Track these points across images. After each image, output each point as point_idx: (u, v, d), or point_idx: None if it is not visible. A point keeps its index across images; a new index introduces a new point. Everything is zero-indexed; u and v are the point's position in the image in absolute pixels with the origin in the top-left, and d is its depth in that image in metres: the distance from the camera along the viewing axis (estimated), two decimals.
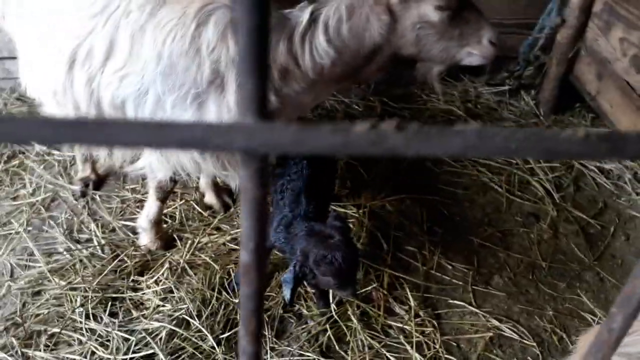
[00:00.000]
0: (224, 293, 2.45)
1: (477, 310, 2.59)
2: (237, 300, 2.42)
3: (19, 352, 2.18)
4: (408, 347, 2.40)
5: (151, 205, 2.58)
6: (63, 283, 2.42)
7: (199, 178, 2.89)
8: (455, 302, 2.62)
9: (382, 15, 2.01)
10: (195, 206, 2.91)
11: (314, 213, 2.29)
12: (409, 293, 2.59)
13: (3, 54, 3.40)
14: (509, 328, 2.54)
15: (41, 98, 2.28)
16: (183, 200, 2.93)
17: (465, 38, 2.19)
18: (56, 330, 2.25)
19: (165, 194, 2.55)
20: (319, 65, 2.01)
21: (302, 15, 1.98)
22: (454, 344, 2.48)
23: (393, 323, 2.49)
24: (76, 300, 2.35)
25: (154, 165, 2.23)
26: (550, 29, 3.52)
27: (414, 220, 2.99)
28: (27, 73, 2.27)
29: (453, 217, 3.05)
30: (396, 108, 3.73)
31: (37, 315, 2.31)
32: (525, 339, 2.50)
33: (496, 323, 2.55)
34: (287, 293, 2.06)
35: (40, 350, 2.18)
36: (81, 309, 2.31)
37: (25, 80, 2.34)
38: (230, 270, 2.56)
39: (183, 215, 2.86)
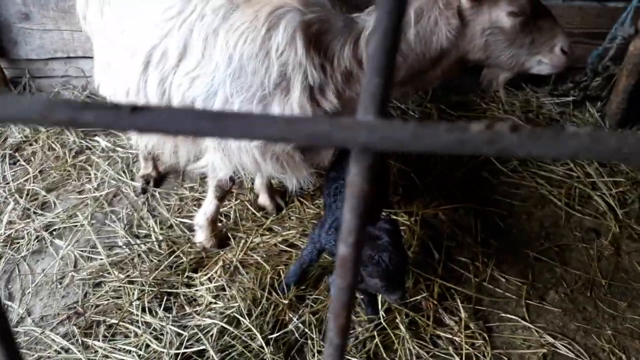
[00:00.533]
0: (274, 294, 2.48)
1: (531, 326, 2.51)
2: (286, 302, 2.45)
3: (79, 340, 2.29)
4: (457, 359, 2.36)
5: (209, 204, 2.66)
6: (122, 276, 2.52)
7: (254, 179, 2.96)
8: (508, 315, 2.55)
9: (452, 20, 1.99)
10: (249, 207, 2.97)
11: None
12: (459, 304, 2.55)
13: (77, 54, 3.59)
14: (564, 345, 2.44)
15: (114, 97, 2.40)
16: (238, 200, 3.00)
17: (536, 46, 2.14)
18: (114, 321, 2.35)
19: (224, 193, 2.62)
20: None
21: (370, 19, 1.99)
22: (505, 358, 2.41)
23: (442, 334, 2.45)
24: (133, 294, 2.45)
25: (216, 164, 2.29)
26: (623, 39, 3.37)
27: (467, 231, 2.93)
28: (102, 72, 2.39)
29: (509, 229, 2.97)
30: (454, 115, 3.67)
31: (97, 306, 2.43)
32: (581, 358, 2.40)
33: (550, 340, 2.46)
34: (334, 292, 2.06)
35: (99, 340, 2.29)
36: (138, 302, 2.41)
37: (98, 79, 2.47)
38: (281, 271, 2.59)
39: (237, 215, 2.93)
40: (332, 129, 0.28)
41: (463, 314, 2.50)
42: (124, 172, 3.17)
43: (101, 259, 2.64)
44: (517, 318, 2.54)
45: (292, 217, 2.95)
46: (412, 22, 1.97)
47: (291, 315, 2.42)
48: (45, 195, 3.00)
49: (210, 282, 2.53)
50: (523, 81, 3.86)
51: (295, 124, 0.28)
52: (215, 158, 2.25)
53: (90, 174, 3.14)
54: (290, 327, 2.39)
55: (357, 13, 2.08)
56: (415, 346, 2.37)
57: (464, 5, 1.98)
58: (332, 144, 0.27)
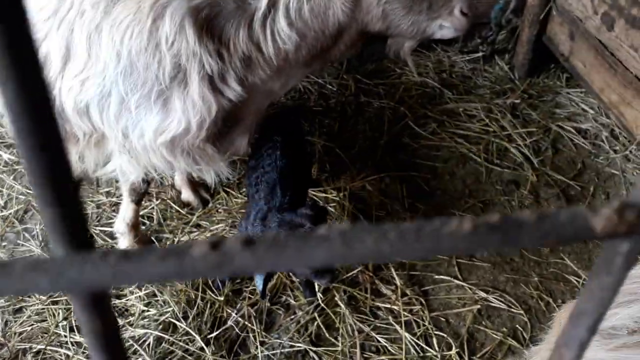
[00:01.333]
0: (208, 292, 2.43)
1: (464, 284, 2.60)
2: (222, 298, 2.40)
3: None
4: (397, 327, 2.41)
5: (126, 209, 2.53)
6: (44, 297, 2.38)
7: (173, 176, 2.84)
8: (441, 277, 2.63)
9: None
10: (173, 205, 2.87)
11: (289, 203, 2.25)
12: (394, 272, 2.59)
13: None
14: (496, 298, 2.55)
15: (3, 110, 2.21)
16: (159, 200, 2.89)
17: (435, 10, 2.13)
18: (41, 346, 2.22)
19: (140, 196, 2.50)
20: (282, 50, 1.94)
21: (260, 0, 1.90)
22: (443, 319, 2.49)
23: (381, 304, 2.49)
24: (59, 314, 2.32)
25: (124, 167, 2.17)
26: None
27: (395, 198, 2.98)
28: None
29: (434, 191, 3.04)
30: (370, 84, 3.67)
31: (21, 333, 2.28)
32: (512, 308, 2.53)
33: (483, 294, 2.57)
34: (259, 284, 2.05)
35: None
36: (65, 323, 2.28)
37: None
38: None
39: (160, 215, 2.82)
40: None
41: (398, 282, 2.56)
42: None
43: None
44: (449, 278, 2.62)
45: (219, 210, 2.88)
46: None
47: (229, 311, 2.38)
48: None
49: (140, 289, 2.43)
50: (433, 42, 3.90)
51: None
52: (122, 161, 2.13)
53: None
54: (230, 323, 2.35)
55: None
56: (356, 321, 2.41)
57: None
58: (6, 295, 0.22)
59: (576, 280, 2.62)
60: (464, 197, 3.01)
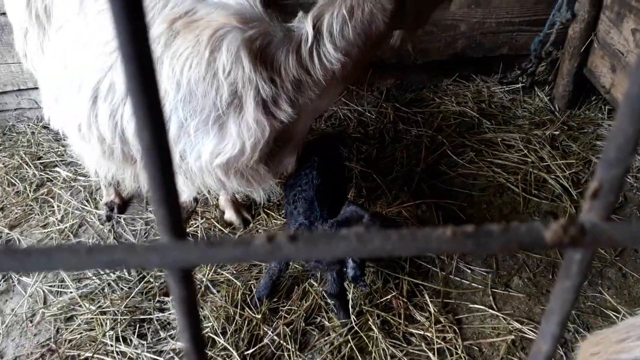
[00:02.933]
0: (246, 309, 2.52)
1: (498, 314, 2.61)
2: (259, 316, 2.49)
3: None
4: (430, 354, 2.43)
5: None
6: (93, 307, 2.53)
7: (217, 197, 2.98)
8: (476, 306, 2.64)
9: (388, 4, 2.01)
10: (216, 224, 3.00)
11: (329, 215, 2.33)
12: (428, 299, 2.63)
13: (28, 85, 3.55)
14: (530, 330, 2.54)
15: (66, 132, 2.39)
16: (204, 219, 3.02)
17: None
18: (89, 354, 2.35)
19: (189, 214, 2.64)
20: (330, 70, 2.05)
21: (304, 27, 2.01)
22: (476, 348, 2.50)
23: (414, 330, 2.52)
24: (106, 324, 2.45)
25: (179, 186, 2.30)
26: (561, 24, 3.50)
27: (430, 225, 3.01)
28: (51, 108, 2.38)
29: (470, 220, 3.06)
30: (409, 113, 3.75)
31: (71, 340, 2.42)
32: None
33: (518, 325, 2.56)
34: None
35: None
36: (111, 332, 2.42)
37: (48, 114, 2.46)
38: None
39: (204, 233, 2.95)
40: (127, 256, 0.32)
41: (432, 309, 2.58)
42: (87, 201, 3.15)
43: (71, 292, 2.63)
44: (484, 307, 2.63)
45: (259, 230, 2.99)
46: (347, 20, 1.98)
47: (266, 329, 2.47)
48: (9, 233, 2.97)
49: None
50: (473, 72, 3.96)
51: (93, 252, 0.32)
52: (178, 181, 2.26)
53: (53, 206, 3.11)
54: (266, 340, 2.43)
55: (293, 21, 2.12)
56: (389, 346, 2.44)
57: None
58: (131, 268, 0.32)
59: (615, 316, 2.58)
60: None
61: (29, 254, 0.31)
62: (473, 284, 2.74)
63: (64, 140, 3.45)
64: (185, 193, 2.35)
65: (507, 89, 3.89)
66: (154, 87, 0.31)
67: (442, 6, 2.34)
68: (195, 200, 2.54)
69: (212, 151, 2.04)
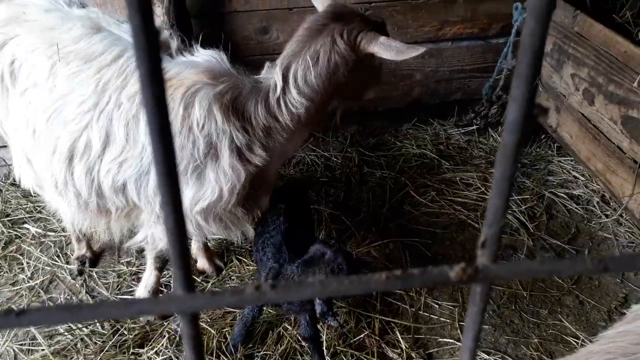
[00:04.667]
0: (222, 357, 2.55)
1: None
2: None
3: None
4: None
5: (149, 276, 2.71)
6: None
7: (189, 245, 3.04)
8: (445, 340, 2.74)
9: (347, 55, 2.17)
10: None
11: (297, 257, 2.42)
12: (399, 336, 2.71)
13: None
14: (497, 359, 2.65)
15: (40, 189, 2.45)
16: None
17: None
18: None
19: (164, 264, 2.68)
20: (296, 115, 2.19)
21: (274, 77, 2.16)
22: None
23: None
24: None
25: (156, 235, 2.37)
26: (508, 70, 3.78)
27: (398, 263, 3.13)
28: (22, 167, 2.43)
29: (435, 256, 3.20)
30: (373, 156, 3.93)
31: None
32: None
33: (485, 357, 2.66)
34: (236, 335, 2.40)
35: None
36: None
37: (19, 173, 2.51)
38: (227, 333, 2.67)
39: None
40: (149, 307, 0.42)
41: (404, 345, 2.67)
42: (58, 256, 3.15)
43: (42, 350, 2.61)
44: (453, 341, 2.73)
45: (232, 277, 3.04)
46: (311, 68, 2.13)
47: None
48: None
49: (158, 355, 2.56)
50: (430, 117, 4.19)
51: (133, 304, 0.42)
52: (155, 230, 2.33)
53: (22, 264, 3.10)
54: None
55: (260, 72, 2.26)
56: None
57: (363, 47, 2.19)
58: (151, 315, 0.42)
59: (575, 342, 2.72)
60: (463, 261, 3.14)
61: (80, 308, 0.40)
62: (441, 319, 2.84)
63: (34, 196, 3.47)
64: (163, 241, 2.41)
65: (463, 131, 4.12)
66: (173, 154, 0.42)
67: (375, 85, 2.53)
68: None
69: (192, 198, 2.13)
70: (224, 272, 3.07)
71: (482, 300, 0.46)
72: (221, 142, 2.10)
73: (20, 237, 3.29)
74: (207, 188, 2.13)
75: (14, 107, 2.26)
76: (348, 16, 2.21)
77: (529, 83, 0.40)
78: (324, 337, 2.65)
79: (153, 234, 2.36)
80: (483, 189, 3.59)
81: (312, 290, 0.45)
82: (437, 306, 2.91)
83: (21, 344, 2.65)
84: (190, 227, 2.25)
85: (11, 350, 2.63)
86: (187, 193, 2.13)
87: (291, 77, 2.13)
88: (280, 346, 2.65)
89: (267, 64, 2.26)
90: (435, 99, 4.10)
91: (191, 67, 2.13)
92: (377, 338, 2.71)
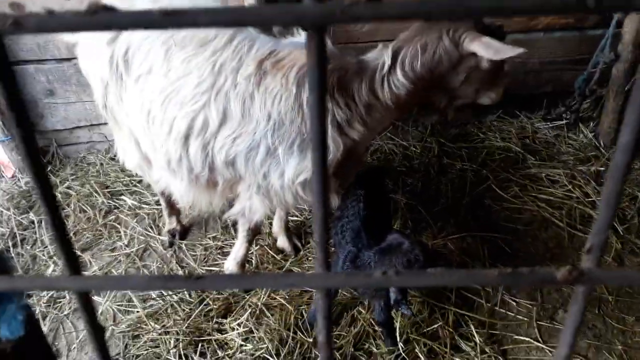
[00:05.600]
0: (299, 333, 2.67)
1: (544, 346, 2.66)
2: (311, 340, 2.63)
3: None
4: None
5: (240, 248, 2.89)
6: (158, 327, 2.73)
7: (272, 223, 3.18)
8: (521, 337, 2.70)
9: (454, 58, 2.30)
10: (269, 251, 3.18)
11: (374, 244, 2.48)
12: (474, 330, 2.70)
13: (100, 121, 3.87)
14: None
15: (149, 168, 2.69)
16: (258, 246, 3.21)
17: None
18: None
19: (254, 235, 2.86)
20: (395, 95, 2.32)
21: (383, 56, 2.30)
22: None
23: None
24: (170, 343, 2.64)
25: (254, 207, 2.55)
26: (605, 64, 3.58)
27: (476, 258, 3.10)
28: (129, 151, 2.69)
29: (515, 253, 3.14)
30: (454, 147, 3.88)
31: (138, 356, 2.63)
32: None
33: None
34: (312, 313, 2.50)
35: None
36: (174, 350, 2.61)
37: (123, 157, 2.75)
38: (303, 311, 2.78)
39: (259, 259, 3.13)
40: (299, 279, 0.49)
41: (478, 339, 2.66)
42: (151, 227, 3.40)
43: (137, 312, 2.85)
44: (529, 339, 2.69)
45: (309, 258, 3.15)
46: (419, 56, 2.26)
47: (316, 352, 2.60)
48: (81, 255, 3.23)
49: (239, 326, 2.72)
50: (516, 109, 4.07)
51: (286, 277, 0.49)
52: (253, 202, 2.51)
53: (120, 232, 3.38)
54: None
55: (367, 53, 2.39)
56: None
57: (466, 47, 2.27)
58: (301, 287, 0.48)
59: None
60: (545, 260, 3.08)
61: (241, 277, 0.48)
62: (518, 316, 2.80)
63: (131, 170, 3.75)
64: (259, 212, 2.58)
65: (551, 125, 3.97)
66: (325, 144, 0.47)
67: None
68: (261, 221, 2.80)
69: (295, 169, 2.31)
70: (301, 252, 3.18)
71: (583, 300, 0.49)
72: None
73: (118, 208, 3.57)
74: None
75: (127, 93, 2.45)
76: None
77: None
78: (397, 324, 2.70)
79: (250, 206, 2.53)
80: (570, 187, 3.46)
81: (432, 279, 0.50)
82: (514, 303, 2.86)
83: (119, 305, 2.91)
84: (289, 197, 2.41)
85: (110, 310, 2.89)
86: (292, 164, 2.30)
87: (399, 59, 2.27)
88: (354, 328, 2.73)
89: (380, 45, 2.38)
90: (523, 90, 3.97)
91: (300, 49, 2.28)
92: (451, 330, 2.72)
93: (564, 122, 3.93)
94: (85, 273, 3.12)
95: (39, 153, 0.43)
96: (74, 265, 0.48)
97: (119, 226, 3.42)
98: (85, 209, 3.55)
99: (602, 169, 3.58)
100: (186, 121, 2.29)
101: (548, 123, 3.98)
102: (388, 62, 2.26)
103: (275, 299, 2.87)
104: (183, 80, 2.27)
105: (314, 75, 0.37)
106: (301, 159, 2.29)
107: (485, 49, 2.21)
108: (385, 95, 2.31)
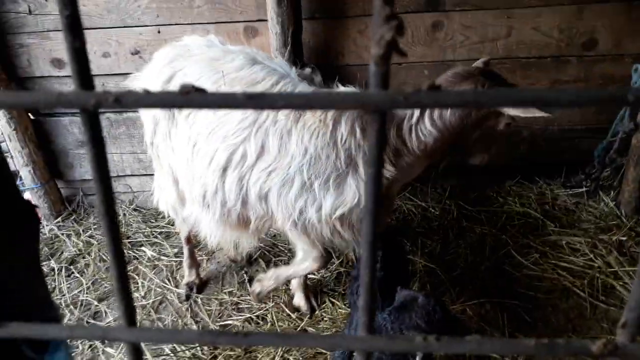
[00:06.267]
0: None
1: None
2: None
3: None
4: None
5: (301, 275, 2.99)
6: None
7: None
8: None
9: (483, 110, 2.41)
10: (285, 308, 3.16)
11: (389, 306, 2.45)
12: None
13: (126, 172, 3.99)
14: None
15: (182, 206, 2.81)
16: (273, 303, 3.19)
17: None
18: None
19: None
20: (423, 143, 2.44)
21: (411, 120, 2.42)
22: None
23: None
24: None
25: (291, 239, 2.68)
26: (624, 133, 3.62)
27: (494, 325, 3.04)
28: (165, 190, 2.82)
29: (535, 322, 3.07)
30: (472, 211, 3.89)
31: None
32: None
33: None
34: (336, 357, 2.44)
35: None
36: None
37: (158, 196, 2.92)
38: (328, 355, 2.72)
39: (274, 317, 3.11)
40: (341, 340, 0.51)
41: None
42: (168, 280, 3.42)
43: None
44: None
45: (325, 318, 3.11)
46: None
47: None
48: (97, 305, 3.24)
49: None
50: (536, 175, 4.09)
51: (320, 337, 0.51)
52: (291, 236, 2.62)
53: (137, 283, 3.39)
54: None
55: None
56: None
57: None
58: (342, 349, 0.50)
59: None
60: (567, 331, 3.00)
61: (288, 337, 0.50)
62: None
63: (152, 222, 3.81)
64: (300, 248, 2.73)
65: (570, 192, 3.97)
66: (376, 220, 0.51)
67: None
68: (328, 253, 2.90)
69: (333, 204, 2.40)
70: (317, 312, 3.15)
71: None
72: (358, 155, 2.39)
73: (137, 259, 3.61)
74: (348, 194, 2.39)
75: (177, 129, 2.60)
76: (494, 75, 2.43)
77: None
78: None
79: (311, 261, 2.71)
80: (591, 256, 3.41)
81: (473, 346, 0.52)
82: None
83: None
84: (327, 232, 2.48)
85: None
86: (329, 199, 2.40)
87: (428, 110, 2.36)
88: None
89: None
90: (543, 157, 4.00)
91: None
92: None
93: (584, 189, 3.93)
94: (100, 323, 3.12)
95: (115, 210, 0.46)
96: (131, 316, 0.51)
97: (137, 277, 3.44)
98: (105, 258, 3.59)
99: (624, 238, 3.54)
100: (226, 153, 2.42)
101: (567, 190, 3.98)
102: (417, 113, 2.40)
103: (288, 359, 2.83)
104: (229, 116, 2.43)
105: (374, 153, 0.40)
106: (338, 194, 2.39)
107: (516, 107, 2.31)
108: (412, 143, 2.42)
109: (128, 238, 3.78)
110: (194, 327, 3.05)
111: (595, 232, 3.63)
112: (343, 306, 3.18)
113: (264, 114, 2.39)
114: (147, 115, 2.71)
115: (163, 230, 3.87)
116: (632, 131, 3.58)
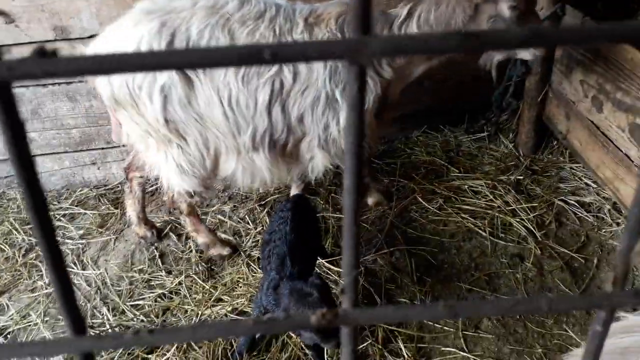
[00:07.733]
0: None
1: (469, 355, 2.72)
2: None
3: None
4: None
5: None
6: None
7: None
8: (448, 349, 2.76)
9: (468, 9, 2.66)
10: (197, 279, 3.13)
11: (298, 273, 2.48)
12: (402, 345, 2.74)
13: None
14: None
15: (225, 161, 2.79)
16: (186, 276, 3.15)
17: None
18: None
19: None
20: None
21: (401, 11, 2.67)
22: None
23: None
24: None
25: (319, 164, 2.89)
26: (517, 77, 3.76)
27: (404, 272, 3.16)
28: (197, 161, 2.75)
29: (441, 265, 3.21)
30: (381, 164, 3.96)
31: None
32: None
33: None
34: (242, 342, 2.50)
35: None
36: None
37: (180, 179, 2.81)
38: (233, 341, 2.74)
39: (187, 289, 3.07)
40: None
41: (406, 354, 2.70)
42: (74, 264, 3.28)
43: (57, 357, 2.72)
44: (456, 350, 2.75)
45: (240, 285, 3.11)
46: (432, 10, 2.65)
47: None
48: None
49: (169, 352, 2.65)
50: (441, 123, 4.20)
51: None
52: (318, 159, 2.82)
53: (41, 271, 3.24)
54: None
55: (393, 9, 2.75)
56: None
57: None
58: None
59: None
60: (470, 270, 3.17)
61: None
62: (445, 327, 2.86)
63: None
64: (318, 169, 2.90)
65: (473, 137, 4.11)
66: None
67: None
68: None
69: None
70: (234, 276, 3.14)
71: (350, 342, 0.50)
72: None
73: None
74: None
75: (199, 90, 2.51)
76: None
77: None
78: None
79: (318, 163, 2.85)
80: (491, 197, 3.58)
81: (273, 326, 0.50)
82: None
83: None
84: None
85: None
86: (345, 109, 2.55)
87: (415, 14, 2.66)
88: (285, 354, 2.71)
89: (403, 2, 2.69)
90: (446, 106, 4.10)
91: (334, 4, 2.65)
92: (380, 347, 2.74)
93: (485, 134, 4.09)
94: (1, 317, 2.97)
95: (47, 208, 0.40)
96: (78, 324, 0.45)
97: (40, 264, 3.28)
98: (4, 248, 3.40)
99: (521, 177, 3.74)
100: (269, 87, 2.52)
101: (470, 136, 4.12)
102: (404, 14, 2.64)
103: None
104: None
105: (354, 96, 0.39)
106: None
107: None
108: None
109: (28, 224, 3.57)
110: (104, 309, 2.97)
111: (496, 173, 3.80)
112: (259, 271, 3.19)
113: (283, 39, 2.48)
114: (147, 91, 2.47)
115: (67, 212, 3.69)
116: (524, 74, 3.72)
